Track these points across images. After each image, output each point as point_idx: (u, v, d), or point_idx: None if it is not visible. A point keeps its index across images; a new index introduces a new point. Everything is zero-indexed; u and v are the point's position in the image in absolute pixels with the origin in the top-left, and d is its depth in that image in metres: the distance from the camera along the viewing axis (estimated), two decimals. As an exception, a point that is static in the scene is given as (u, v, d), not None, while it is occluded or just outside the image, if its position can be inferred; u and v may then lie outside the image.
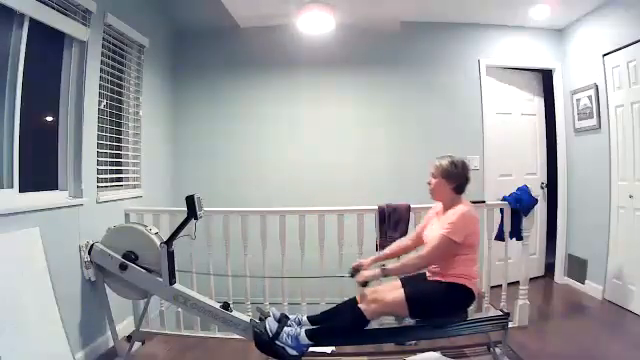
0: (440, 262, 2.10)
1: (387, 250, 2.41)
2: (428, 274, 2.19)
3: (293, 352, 2.04)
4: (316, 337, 2.07)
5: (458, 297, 2.08)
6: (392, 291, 2.12)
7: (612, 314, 3.09)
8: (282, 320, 2.15)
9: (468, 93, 3.93)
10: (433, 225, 2.24)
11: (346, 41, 3.87)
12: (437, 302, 2.06)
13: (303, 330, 2.07)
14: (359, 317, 2.05)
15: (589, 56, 3.58)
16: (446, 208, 2.19)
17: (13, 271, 1.89)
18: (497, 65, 3.99)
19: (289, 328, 2.10)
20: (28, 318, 1.89)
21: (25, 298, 1.91)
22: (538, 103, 4.26)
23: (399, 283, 2.21)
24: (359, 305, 2.09)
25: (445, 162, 2.18)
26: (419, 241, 2.30)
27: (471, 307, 2.20)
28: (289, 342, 2.05)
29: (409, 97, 3.97)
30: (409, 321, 2.14)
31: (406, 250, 2.35)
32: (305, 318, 2.22)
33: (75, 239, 2.38)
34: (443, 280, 2.08)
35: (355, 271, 2.22)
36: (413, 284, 2.14)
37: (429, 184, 2.22)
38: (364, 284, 2.13)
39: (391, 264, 2.16)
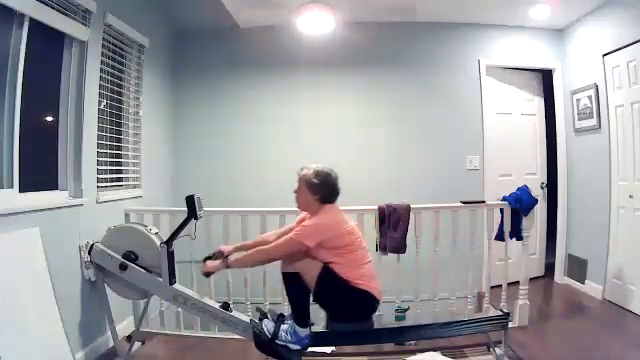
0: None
1: (249, 241, 2.42)
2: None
3: (296, 347, 2.05)
4: (298, 317, 2.10)
5: (358, 299, 2.09)
6: (310, 259, 2.11)
7: (612, 314, 3.09)
8: (279, 320, 2.15)
9: (468, 93, 3.93)
10: None
11: (346, 41, 3.87)
12: (340, 294, 2.07)
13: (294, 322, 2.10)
14: (288, 277, 2.10)
15: (589, 56, 3.58)
16: (312, 216, 2.18)
17: (13, 271, 1.88)
18: (497, 65, 3.99)
19: (285, 325, 2.11)
20: (28, 318, 1.89)
21: (25, 298, 1.91)
22: (538, 103, 4.26)
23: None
24: (281, 270, 2.15)
25: (308, 172, 2.17)
26: None
27: (377, 313, 2.23)
28: (289, 338, 2.06)
29: (409, 97, 3.96)
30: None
31: (265, 243, 2.27)
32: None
33: (75, 239, 2.37)
34: (346, 281, 2.07)
35: (210, 257, 2.23)
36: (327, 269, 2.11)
37: (295, 193, 2.22)
38: (207, 274, 2.17)
39: (234, 256, 2.17)
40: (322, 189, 2.14)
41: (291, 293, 2.16)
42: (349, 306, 2.13)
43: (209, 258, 2.25)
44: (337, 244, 2.09)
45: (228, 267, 2.18)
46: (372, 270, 2.22)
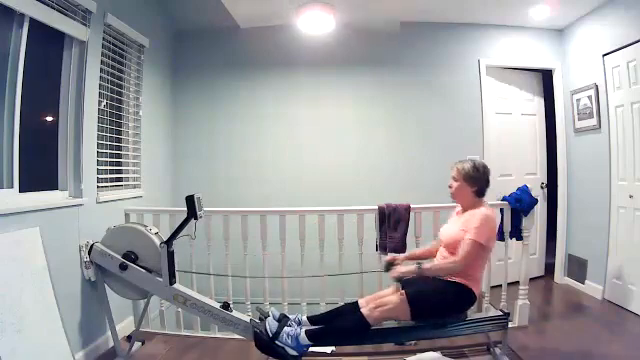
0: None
1: (418, 250, 2.44)
2: None
3: (293, 352, 2.04)
4: (316, 338, 2.07)
5: (458, 297, 2.09)
6: (393, 295, 2.13)
7: (612, 314, 3.09)
8: (282, 320, 2.15)
9: (468, 93, 3.93)
10: (449, 224, 2.29)
11: (346, 41, 3.88)
12: (437, 302, 2.07)
13: (303, 330, 2.07)
14: (361, 321, 2.06)
15: (589, 56, 3.58)
16: (465, 210, 2.22)
17: (13, 271, 1.89)
18: (497, 65, 3.99)
19: (289, 328, 2.10)
20: (28, 318, 1.89)
21: (25, 298, 1.91)
22: (538, 103, 4.26)
23: (400, 285, 2.20)
24: (362, 310, 2.10)
25: (467, 166, 2.20)
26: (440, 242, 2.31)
27: (472, 308, 2.20)
28: (289, 342, 2.05)
29: (409, 97, 3.97)
30: (409, 322, 2.14)
31: (431, 252, 2.35)
32: (305, 318, 2.22)
33: (75, 239, 2.37)
34: (447, 279, 2.08)
35: (389, 265, 2.23)
36: (413, 285, 2.14)
37: (450, 187, 2.25)
38: (399, 279, 2.14)
39: (426, 263, 2.14)
40: (480, 181, 2.18)
41: (342, 327, 2.12)
42: (452, 305, 2.11)
43: (390, 264, 2.22)
44: (493, 243, 2.13)
45: (421, 274, 2.10)
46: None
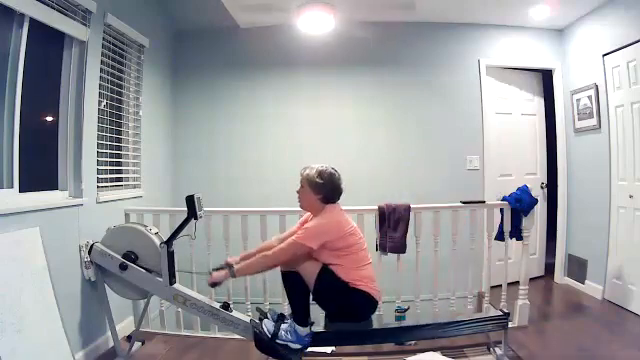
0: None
1: (253, 249, 2.40)
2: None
3: (296, 346, 2.05)
4: (298, 316, 2.10)
5: (357, 300, 2.09)
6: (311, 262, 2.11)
7: (612, 314, 3.09)
8: (279, 320, 2.15)
9: (468, 93, 3.93)
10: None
11: (346, 41, 3.87)
12: (339, 295, 2.07)
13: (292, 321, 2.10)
14: (287, 276, 2.12)
15: (589, 56, 3.58)
16: (314, 217, 2.18)
17: (13, 271, 1.88)
18: (497, 65, 3.99)
19: (285, 324, 2.11)
20: (28, 318, 1.89)
21: (25, 298, 1.91)
22: (538, 103, 4.26)
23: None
24: (280, 270, 2.16)
25: (311, 172, 2.16)
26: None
27: (378, 312, 2.24)
28: (289, 337, 2.06)
29: (409, 97, 3.97)
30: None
31: (268, 249, 2.25)
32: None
33: (75, 239, 2.37)
34: (346, 282, 2.07)
35: (217, 269, 2.21)
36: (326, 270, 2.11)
37: (297, 192, 2.22)
38: (213, 285, 2.16)
39: (239, 266, 2.15)
40: (325, 189, 2.14)
41: (290, 292, 2.16)
42: (348, 306, 2.13)
43: (216, 270, 2.21)
44: (339, 245, 2.09)
45: (234, 276, 2.14)
46: (372, 271, 2.21)
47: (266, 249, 2.25)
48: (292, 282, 2.12)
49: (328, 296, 2.11)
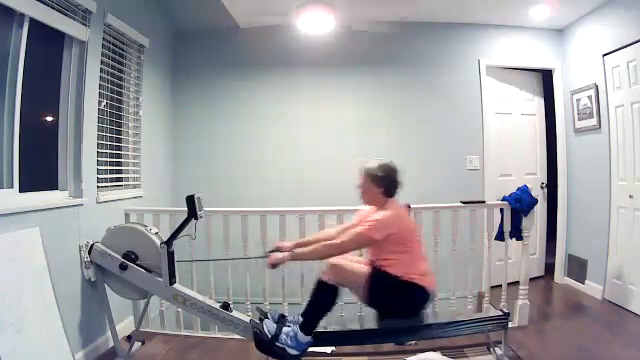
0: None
1: (310, 237, 2.40)
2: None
3: (294, 352, 2.05)
4: (305, 326, 2.08)
5: (412, 294, 2.09)
6: (357, 264, 2.14)
7: (612, 314, 3.09)
8: (280, 321, 2.15)
9: (468, 93, 3.93)
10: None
11: (346, 41, 3.88)
12: (389, 294, 2.07)
13: (298, 327, 2.08)
14: (324, 287, 2.08)
15: (589, 56, 3.58)
16: (378, 210, 2.18)
17: (13, 271, 1.89)
18: (497, 65, 3.99)
19: (287, 328, 2.11)
20: (28, 318, 1.89)
21: (25, 298, 1.91)
22: (538, 103, 4.26)
23: (366, 262, 2.21)
24: (322, 278, 2.11)
25: (373, 166, 2.18)
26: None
27: (427, 307, 2.22)
28: (289, 342, 2.05)
29: (409, 97, 3.97)
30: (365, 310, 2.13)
31: (327, 239, 2.26)
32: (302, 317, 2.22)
33: (75, 239, 2.37)
34: (399, 276, 2.07)
35: (273, 252, 2.22)
36: (378, 271, 2.13)
37: (359, 187, 2.22)
38: (273, 266, 2.16)
39: (300, 250, 2.15)
40: (386, 182, 2.16)
41: (315, 302, 2.13)
42: (403, 302, 2.12)
43: (272, 252, 2.22)
44: (402, 238, 2.10)
45: (294, 259, 2.13)
46: (428, 266, 2.22)
47: (324, 239, 2.25)
48: (325, 294, 2.10)
49: (383, 296, 2.09)
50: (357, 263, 2.18)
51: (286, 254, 2.12)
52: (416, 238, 2.22)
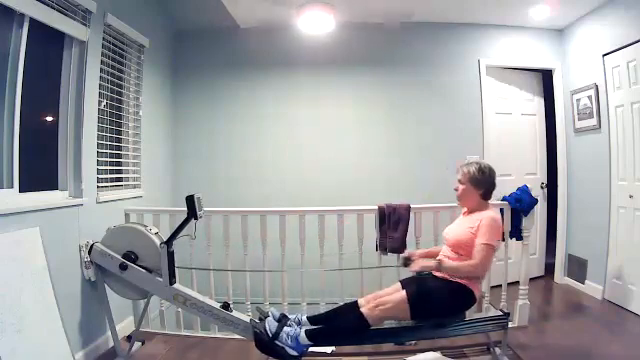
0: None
1: (424, 250, 2.44)
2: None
3: (293, 352, 2.04)
4: (316, 338, 2.07)
5: (458, 297, 2.09)
6: (394, 294, 2.13)
7: (612, 314, 3.09)
8: (281, 320, 2.15)
9: (468, 93, 3.93)
10: (455, 225, 2.30)
11: (346, 41, 3.88)
12: (438, 301, 2.06)
13: (303, 330, 2.07)
14: (360, 321, 2.06)
15: (589, 56, 3.58)
16: (471, 212, 2.23)
17: (13, 271, 1.89)
18: (497, 65, 3.99)
19: (289, 328, 2.10)
20: (28, 318, 1.89)
21: (25, 298, 1.91)
22: (538, 103, 4.26)
23: (399, 285, 2.21)
24: (362, 309, 2.10)
25: (473, 169, 2.20)
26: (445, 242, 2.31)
27: (472, 308, 2.20)
28: (289, 342, 2.05)
29: (409, 97, 3.97)
30: (409, 322, 2.14)
31: (432, 252, 2.35)
32: (305, 318, 2.22)
33: (75, 239, 2.37)
34: (449, 279, 2.08)
35: (407, 261, 2.25)
36: (414, 284, 2.15)
37: (456, 190, 2.25)
38: (419, 273, 2.18)
39: (447, 263, 2.14)
40: (486, 184, 2.19)
41: (340, 325, 2.13)
42: (452, 305, 2.10)
43: (408, 260, 2.25)
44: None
45: (439, 270, 2.12)
46: None
47: (434, 253, 2.31)
48: (353, 323, 2.08)
49: (427, 306, 2.07)
50: (392, 291, 2.17)
51: (434, 263, 2.11)
52: None
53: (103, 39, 2.71)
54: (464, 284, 2.07)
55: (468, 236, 2.11)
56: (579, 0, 3.41)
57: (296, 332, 2.07)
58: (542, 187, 4.18)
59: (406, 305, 2.04)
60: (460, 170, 2.25)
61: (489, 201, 2.24)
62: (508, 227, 2.86)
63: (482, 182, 2.18)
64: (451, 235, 2.23)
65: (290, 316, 2.22)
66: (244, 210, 2.92)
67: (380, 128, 3.98)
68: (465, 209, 2.31)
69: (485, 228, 2.08)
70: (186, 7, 3.60)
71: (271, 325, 2.11)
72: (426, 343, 2.48)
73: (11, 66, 2.05)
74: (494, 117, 3.99)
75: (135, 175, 3.25)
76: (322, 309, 2.68)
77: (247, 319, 2.21)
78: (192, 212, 2.16)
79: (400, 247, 2.75)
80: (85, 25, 2.47)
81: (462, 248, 2.12)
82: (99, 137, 2.71)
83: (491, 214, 2.14)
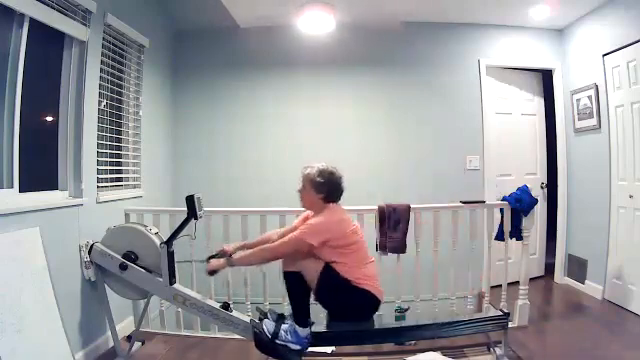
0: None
1: (252, 240, 2.42)
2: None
3: (296, 347, 2.05)
4: (298, 317, 2.10)
5: (360, 299, 2.10)
6: (314, 259, 2.12)
7: (612, 314, 3.09)
8: (279, 319, 2.15)
9: (468, 93, 3.93)
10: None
11: (346, 41, 3.87)
12: (343, 295, 2.08)
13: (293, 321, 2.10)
14: (290, 277, 2.11)
15: (589, 56, 3.58)
16: (316, 215, 2.20)
17: (13, 271, 1.89)
18: (497, 65, 3.99)
19: (286, 325, 2.11)
20: (28, 318, 1.89)
21: (25, 298, 1.91)
22: (538, 103, 4.26)
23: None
24: (284, 270, 2.15)
25: (312, 171, 2.17)
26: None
27: (377, 313, 2.22)
28: (289, 338, 2.06)
29: (409, 97, 3.97)
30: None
31: (267, 242, 2.29)
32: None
33: (75, 239, 2.37)
34: (350, 280, 2.08)
35: (213, 257, 2.24)
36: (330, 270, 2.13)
37: (299, 191, 2.23)
38: (211, 273, 2.19)
39: (239, 254, 2.17)
40: (326, 188, 2.16)
41: (292, 292, 2.16)
42: (350, 305, 2.13)
43: (213, 257, 2.26)
44: (341, 243, 2.10)
45: (232, 265, 2.18)
46: (374, 270, 2.24)
47: (266, 241, 2.28)
48: (293, 282, 2.13)
49: (330, 294, 2.12)
50: (314, 258, 2.14)
51: (223, 261, 2.15)
52: (360, 242, 2.19)
53: (103, 39, 2.71)
54: (363, 287, 2.08)
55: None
56: (579, 0, 3.41)
57: (292, 326, 2.09)
58: (542, 187, 4.18)
59: (319, 270, 2.05)
60: (301, 172, 2.23)
61: (333, 205, 2.18)
62: (508, 227, 2.86)
63: (320, 185, 2.15)
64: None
65: (287, 315, 2.23)
66: (244, 210, 2.92)
67: (380, 128, 3.98)
68: (311, 214, 2.26)
69: (307, 225, 2.09)
70: (186, 7, 3.60)
71: (269, 326, 2.11)
72: (426, 343, 2.48)
73: (11, 66, 2.04)
74: (494, 117, 3.99)
75: (135, 175, 3.25)
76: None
77: (247, 319, 2.21)
78: (192, 212, 2.16)
79: (400, 247, 2.76)
80: (85, 25, 2.46)
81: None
82: (99, 137, 2.71)
83: (324, 216, 2.11)
